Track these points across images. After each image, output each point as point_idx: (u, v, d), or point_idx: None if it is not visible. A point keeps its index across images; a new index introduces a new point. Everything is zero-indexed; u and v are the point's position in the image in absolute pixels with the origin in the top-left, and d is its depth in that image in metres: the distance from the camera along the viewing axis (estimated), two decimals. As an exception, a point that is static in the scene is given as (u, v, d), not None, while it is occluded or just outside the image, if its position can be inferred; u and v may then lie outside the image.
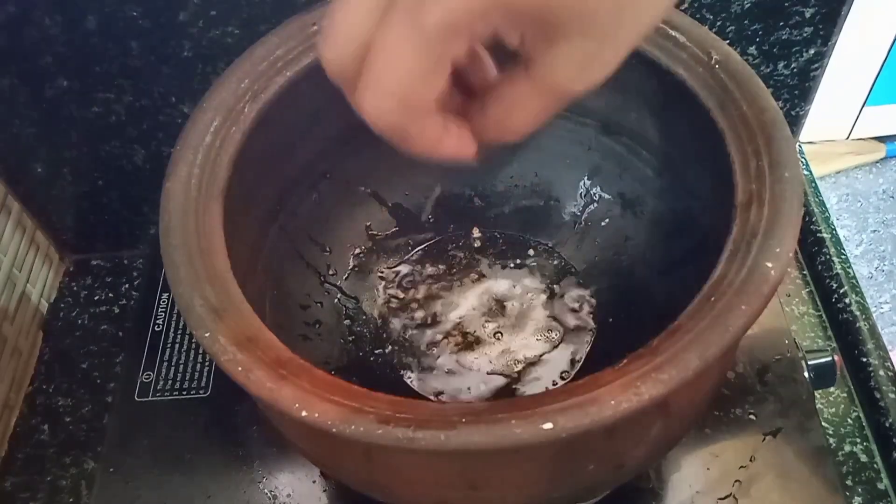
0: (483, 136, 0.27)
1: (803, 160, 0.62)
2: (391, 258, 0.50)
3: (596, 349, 0.45)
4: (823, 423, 0.47)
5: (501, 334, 0.46)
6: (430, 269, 0.49)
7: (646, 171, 0.44)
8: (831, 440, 0.48)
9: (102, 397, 0.54)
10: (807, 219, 0.58)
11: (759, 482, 0.43)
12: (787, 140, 0.33)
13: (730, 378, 0.46)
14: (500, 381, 0.44)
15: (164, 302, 0.54)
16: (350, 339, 0.46)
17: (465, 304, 0.47)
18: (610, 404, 0.26)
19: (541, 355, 0.45)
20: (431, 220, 0.50)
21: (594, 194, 0.48)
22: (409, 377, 0.45)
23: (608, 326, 0.46)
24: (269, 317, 0.39)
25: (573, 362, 0.45)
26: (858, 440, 0.48)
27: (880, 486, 0.46)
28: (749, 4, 0.50)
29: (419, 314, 0.47)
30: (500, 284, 0.48)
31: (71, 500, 0.49)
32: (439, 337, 0.46)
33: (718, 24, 0.51)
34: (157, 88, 0.51)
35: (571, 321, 0.46)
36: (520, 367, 0.45)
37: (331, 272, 0.47)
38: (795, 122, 0.58)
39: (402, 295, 0.48)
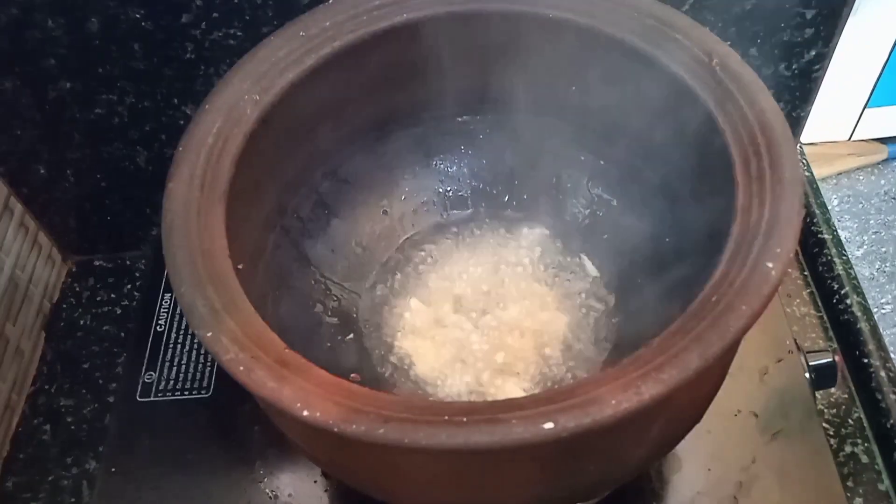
0: None
1: (804, 161, 0.62)
2: (393, 258, 0.50)
3: (597, 349, 0.45)
4: (824, 424, 0.47)
5: (504, 334, 0.46)
6: (431, 269, 0.49)
7: (646, 172, 0.44)
8: (832, 441, 0.48)
9: (104, 397, 0.54)
10: (808, 220, 0.58)
11: (760, 483, 0.43)
12: (787, 141, 0.33)
13: (730, 378, 0.46)
14: (502, 380, 0.44)
15: (166, 302, 0.54)
16: (351, 338, 0.46)
17: (467, 303, 0.48)
18: (610, 404, 0.27)
19: (543, 355, 0.45)
20: (433, 221, 0.51)
21: (595, 195, 0.48)
22: (411, 377, 0.45)
23: (609, 325, 0.46)
24: (271, 317, 0.39)
25: (575, 362, 0.45)
26: (859, 441, 0.48)
27: (881, 487, 0.46)
28: (750, 6, 0.50)
29: (421, 314, 0.47)
30: (501, 284, 0.48)
31: (73, 500, 0.49)
32: (441, 336, 0.46)
33: (720, 25, 0.51)
34: (159, 90, 0.51)
35: (573, 321, 0.46)
36: (522, 365, 0.45)
37: (332, 272, 0.47)
38: (796, 123, 0.58)
39: (404, 294, 0.48)
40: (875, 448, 0.48)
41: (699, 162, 0.39)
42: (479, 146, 0.49)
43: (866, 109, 1.33)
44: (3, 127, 0.52)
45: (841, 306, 0.53)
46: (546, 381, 0.44)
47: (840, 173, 1.39)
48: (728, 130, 0.35)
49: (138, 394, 0.50)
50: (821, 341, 0.53)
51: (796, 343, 0.48)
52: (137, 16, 0.47)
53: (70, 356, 0.57)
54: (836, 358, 0.47)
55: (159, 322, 0.53)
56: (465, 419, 0.27)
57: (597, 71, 0.42)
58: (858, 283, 0.54)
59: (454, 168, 0.50)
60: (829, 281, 0.54)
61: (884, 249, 1.29)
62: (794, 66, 0.54)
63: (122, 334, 0.57)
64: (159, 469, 0.46)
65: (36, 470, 0.51)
